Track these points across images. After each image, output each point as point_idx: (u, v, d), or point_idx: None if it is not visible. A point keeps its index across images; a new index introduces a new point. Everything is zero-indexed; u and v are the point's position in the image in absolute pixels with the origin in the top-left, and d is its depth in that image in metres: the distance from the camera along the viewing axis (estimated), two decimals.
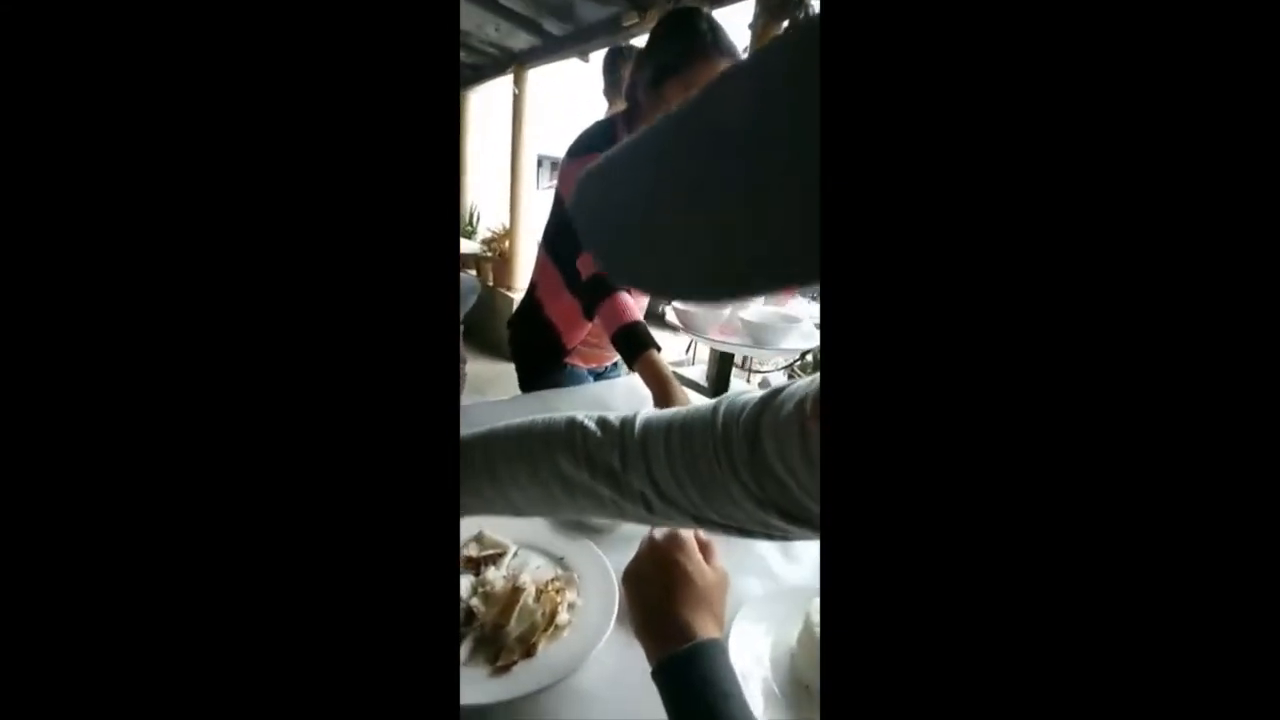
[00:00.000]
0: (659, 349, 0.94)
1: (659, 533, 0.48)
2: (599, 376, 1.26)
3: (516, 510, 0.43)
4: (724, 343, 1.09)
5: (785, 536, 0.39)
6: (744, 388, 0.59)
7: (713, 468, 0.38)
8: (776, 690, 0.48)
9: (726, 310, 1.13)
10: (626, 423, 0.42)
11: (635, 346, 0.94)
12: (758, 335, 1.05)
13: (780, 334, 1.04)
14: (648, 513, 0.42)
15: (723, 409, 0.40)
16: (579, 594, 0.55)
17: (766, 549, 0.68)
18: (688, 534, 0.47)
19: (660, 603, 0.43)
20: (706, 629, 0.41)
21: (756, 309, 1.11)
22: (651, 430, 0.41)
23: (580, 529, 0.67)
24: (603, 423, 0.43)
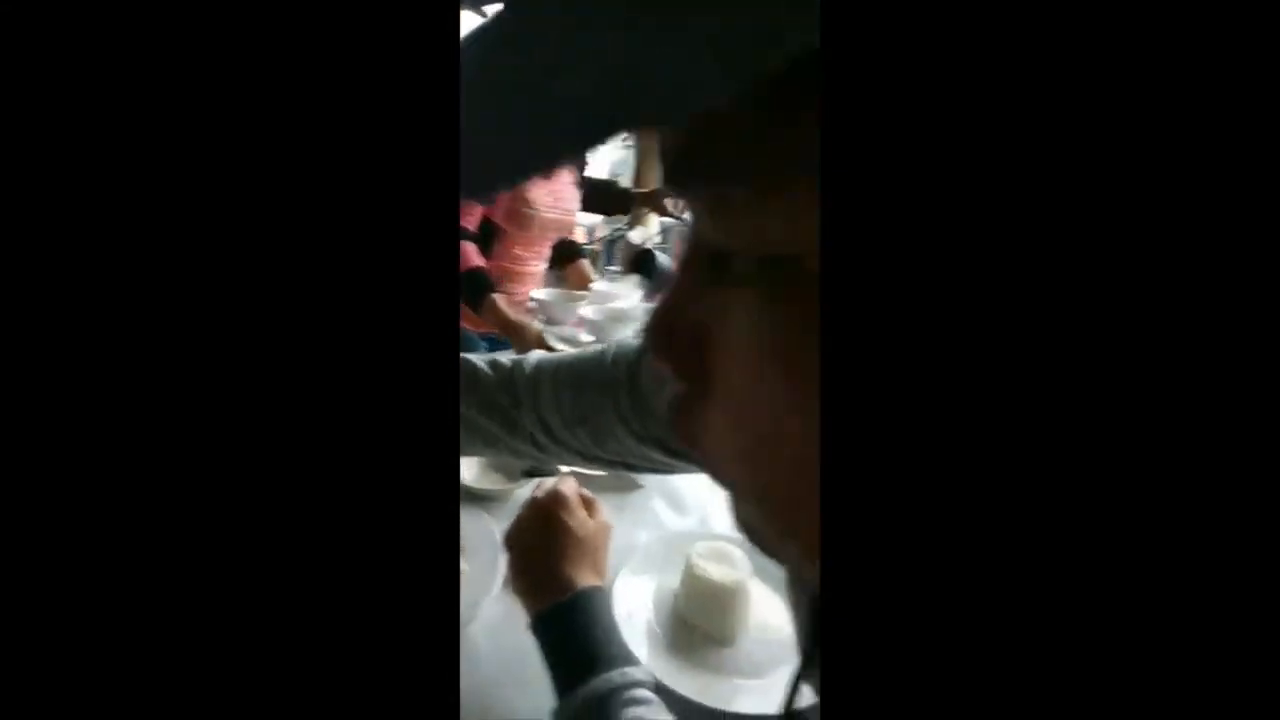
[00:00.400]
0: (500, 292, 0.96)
1: (541, 491, 0.48)
2: (495, 345, 1.24)
3: None
4: (570, 339, 1.13)
5: (669, 470, 0.41)
6: None
7: (600, 407, 0.39)
8: (658, 629, 0.51)
9: (582, 306, 1.16)
10: (518, 364, 0.43)
11: (478, 290, 0.95)
12: (596, 331, 1.09)
13: (619, 328, 1.08)
14: (538, 451, 0.43)
15: (613, 351, 0.41)
16: (465, 561, 0.55)
17: (658, 503, 0.71)
18: (569, 490, 0.48)
19: (542, 558, 0.44)
20: (587, 579, 0.43)
21: (599, 307, 1.16)
22: (543, 371, 0.42)
23: (471, 499, 0.66)
24: (494, 363, 0.43)
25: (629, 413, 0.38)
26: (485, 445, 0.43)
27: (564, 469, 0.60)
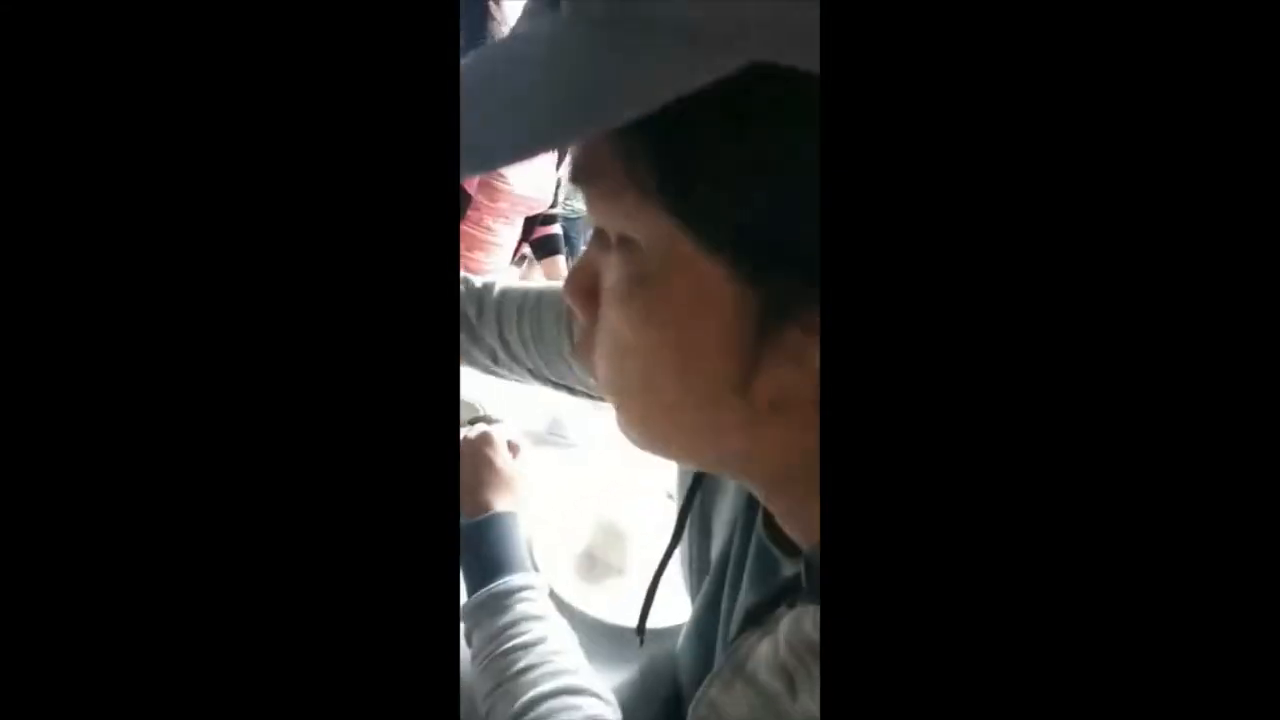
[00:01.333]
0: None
1: (472, 432, 0.55)
2: None
3: None
4: None
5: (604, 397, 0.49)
6: None
7: (552, 333, 0.47)
8: (570, 559, 0.59)
9: None
10: (488, 285, 0.51)
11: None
12: None
13: None
14: (493, 363, 0.51)
15: None
16: None
17: (582, 457, 0.78)
18: (496, 432, 0.55)
19: (468, 486, 0.51)
20: (503, 506, 0.50)
21: None
22: (509, 295, 0.50)
23: None
24: (466, 280, 0.52)
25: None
26: None
27: (494, 416, 0.68)
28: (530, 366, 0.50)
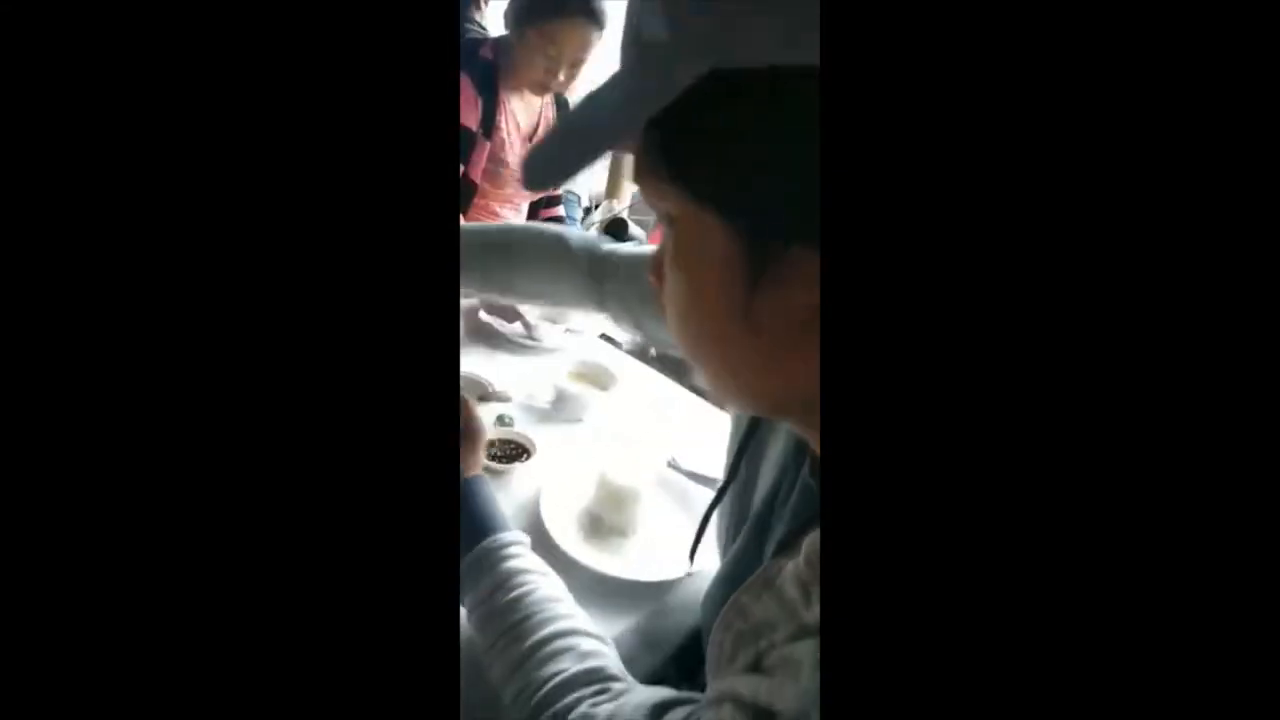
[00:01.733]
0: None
1: None
2: None
3: (508, 291, 0.58)
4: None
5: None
6: None
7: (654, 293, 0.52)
8: (574, 521, 0.62)
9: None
10: (610, 250, 0.56)
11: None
12: None
13: None
14: (615, 322, 0.56)
15: None
16: None
17: (587, 431, 0.81)
18: None
19: None
20: (466, 473, 0.50)
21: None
22: (625, 260, 0.55)
23: None
24: (589, 242, 0.56)
25: None
26: (567, 299, 0.56)
27: (504, 394, 0.70)
28: (634, 324, 0.54)
